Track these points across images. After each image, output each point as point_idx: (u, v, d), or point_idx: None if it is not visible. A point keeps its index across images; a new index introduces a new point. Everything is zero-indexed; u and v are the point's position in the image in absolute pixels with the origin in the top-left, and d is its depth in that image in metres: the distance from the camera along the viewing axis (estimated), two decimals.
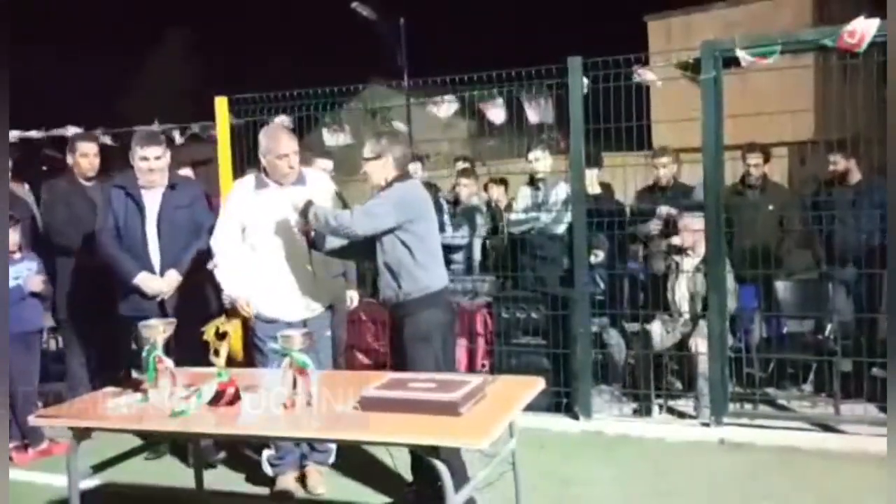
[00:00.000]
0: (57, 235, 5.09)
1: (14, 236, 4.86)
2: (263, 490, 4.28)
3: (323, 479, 4.24)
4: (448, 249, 6.23)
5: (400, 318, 3.75)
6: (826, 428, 4.87)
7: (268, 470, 4.27)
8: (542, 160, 5.60)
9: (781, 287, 5.61)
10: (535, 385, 3.16)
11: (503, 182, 7.21)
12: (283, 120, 5.79)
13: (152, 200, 4.49)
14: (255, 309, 4.03)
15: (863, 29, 4.32)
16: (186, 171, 6.05)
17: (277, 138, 4.00)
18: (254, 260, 4.04)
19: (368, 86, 9.78)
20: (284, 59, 26.83)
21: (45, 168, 9.30)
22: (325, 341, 4.18)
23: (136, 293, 4.43)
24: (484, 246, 6.33)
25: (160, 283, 4.44)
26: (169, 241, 4.47)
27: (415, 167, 6.35)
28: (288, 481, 4.21)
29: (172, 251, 4.47)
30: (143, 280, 4.42)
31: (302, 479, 4.24)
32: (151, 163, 4.41)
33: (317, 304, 4.13)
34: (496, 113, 5.42)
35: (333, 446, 4.24)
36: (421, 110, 6.39)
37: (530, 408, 3.18)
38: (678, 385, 5.49)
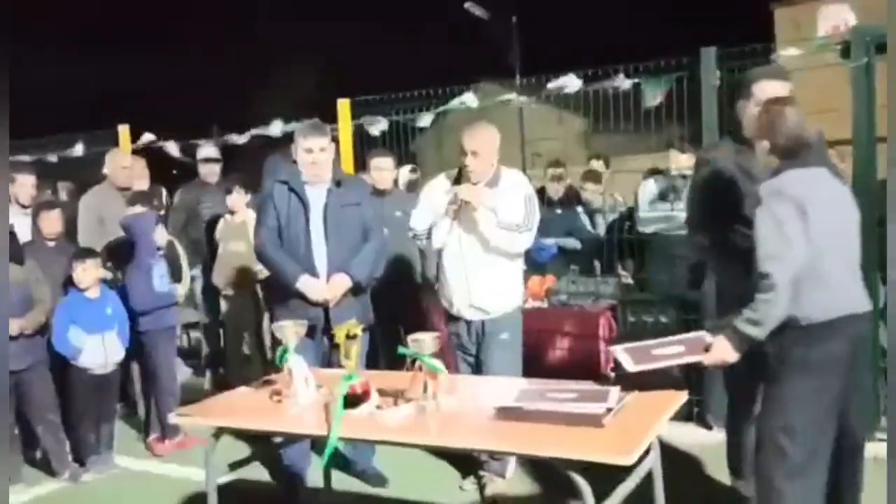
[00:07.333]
0: None
1: (161, 237, 5.08)
2: (386, 492, 4.27)
3: (499, 490, 4.12)
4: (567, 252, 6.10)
5: None
6: None
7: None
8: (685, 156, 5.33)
9: None
10: (678, 398, 2.93)
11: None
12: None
13: (317, 197, 4.07)
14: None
15: None
16: None
17: (464, 133, 3.94)
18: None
19: (479, 84, 9.72)
20: (390, 59, 27.18)
21: (174, 172, 9.79)
22: (499, 344, 3.98)
23: (298, 298, 3.99)
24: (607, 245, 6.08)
25: (324, 288, 4.00)
26: (336, 242, 4.04)
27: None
28: (498, 485, 4.15)
29: (340, 253, 4.04)
30: (306, 284, 3.98)
31: (480, 487, 4.18)
32: (315, 155, 4.01)
33: (495, 304, 3.99)
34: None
35: (512, 458, 4.08)
36: (532, 109, 6.23)
37: None
38: None
